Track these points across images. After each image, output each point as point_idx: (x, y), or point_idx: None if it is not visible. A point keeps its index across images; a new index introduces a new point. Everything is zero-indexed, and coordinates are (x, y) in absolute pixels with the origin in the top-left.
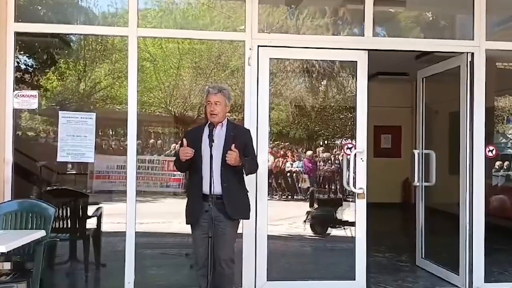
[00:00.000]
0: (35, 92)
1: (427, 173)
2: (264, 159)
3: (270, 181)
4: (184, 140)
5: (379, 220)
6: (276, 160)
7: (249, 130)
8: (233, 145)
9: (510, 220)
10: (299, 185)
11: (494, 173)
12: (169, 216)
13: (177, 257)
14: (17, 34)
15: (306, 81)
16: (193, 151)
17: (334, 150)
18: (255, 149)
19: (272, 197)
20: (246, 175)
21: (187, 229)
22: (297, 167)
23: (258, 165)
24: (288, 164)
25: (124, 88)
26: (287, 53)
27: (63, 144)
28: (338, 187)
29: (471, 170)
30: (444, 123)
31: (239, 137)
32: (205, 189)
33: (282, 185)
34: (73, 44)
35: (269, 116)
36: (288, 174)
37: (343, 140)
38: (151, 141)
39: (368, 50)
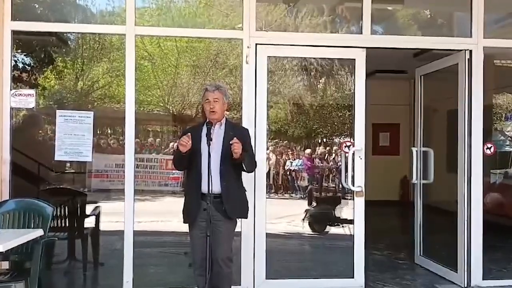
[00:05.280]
0: (32, 91)
1: (426, 171)
2: (263, 158)
3: (268, 179)
4: (187, 136)
5: (377, 218)
6: (275, 158)
7: (247, 129)
8: (235, 137)
9: (508, 218)
10: (297, 183)
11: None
12: (168, 214)
13: (175, 256)
14: (14, 32)
15: (305, 79)
16: (189, 138)
17: (334, 148)
18: (253, 148)
19: (270, 196)
20: (247, 171)
21: (186, 228)
22: (296, 165)
23: (256, 163)
24: (287, 163)
25: (122, 87)
26: (285, 51)
27: (60, 143)
28: (336, 184)
29: (469, 168)
30: (442, 120)
31: (237, 136)
32: (204, 188)
33: (281, 183)
34: (71, 43)
35: (267, 114)
36: (288, 172)
37: (342, 138)
38: (150, 139)
39: (366, 48)
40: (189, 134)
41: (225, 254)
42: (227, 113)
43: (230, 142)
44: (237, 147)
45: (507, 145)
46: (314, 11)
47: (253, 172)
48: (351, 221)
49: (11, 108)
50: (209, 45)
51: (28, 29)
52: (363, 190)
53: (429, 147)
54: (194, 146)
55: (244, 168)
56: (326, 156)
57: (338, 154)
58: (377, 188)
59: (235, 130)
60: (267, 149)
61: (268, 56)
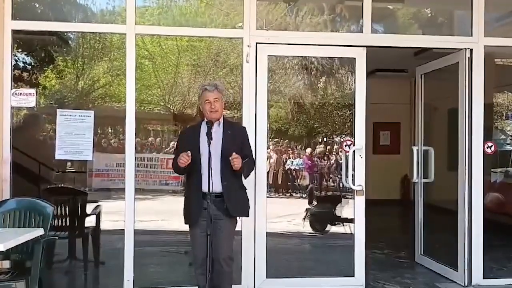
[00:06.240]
0: (32, 90)
1: (426, 170)
2: (263, 157)
3: (269, 178)
4: (187, 154)
5: (378, 217)
6: (275, 157)
7: (245, 128)
8: (234, 153)
9: (509, 217)
10: (298, 182)
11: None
12: (168, 214)
13: (176, 255)
14: (15, 32)
15: (305, 78)
16: (189, 157)
17: (334, 147)
18: (254, 147)
19: (271, 195)
20: (245, 178)
21: (186, 227)
22: (296, 164)
23: (255, 163)
24: (288, 162)
25: (123, 86)
26: (286, 50)
27: (61, 142)
28: (337, 183)
29: (470, 167)
30: (442, 119)
31: (236, 135)
32: (204, 187)
33: (281, 182)
34: (71, 42)
35: (268, 113)
36: (288, 171)
37: (342, 137)
38: (150, 139)
39: (367, 46)
40: (189, 152)
41: (226, 254)
42: (227, 112)
43: (230, 158)
44: (236, 162)
45: (507, 144)
46: (315, 10)
47: (253, 171)
48: (351, 220)
49: (12, 108)
50: (210, 44)
51: (28, 28)
52: (364, 189)
53: (429, 146)
54: (194, 146)
55: (243, 176)
56: (326, 155)
57: (339, 153)
58: (377, 187)
59: (233, 128)
60: (268, 148)
61: (268, 55)
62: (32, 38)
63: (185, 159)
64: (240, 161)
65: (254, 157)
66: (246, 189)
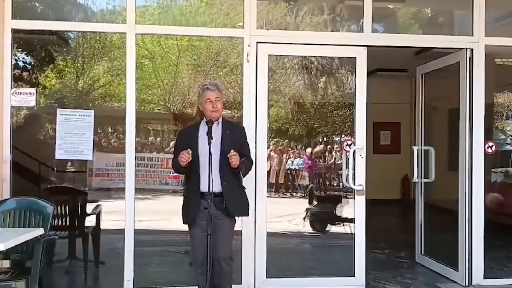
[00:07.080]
0: (32, 90)
1: (427, 170)
2: (264, 157)
3: (269, 178)
4: (187, 152)
5: (378, 216)
6: (276, 157)
7: (243, 127)
8: (232, 150)
9: (509, 217)
10: (298, 182)
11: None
12: (168, 213)
13: (176, 254)
14: (15, 31)
15: (305, 78)
16: (190, 154)
17: (335, 147)
18: (254, 147)
19: (271, 194)
20: (243, 176)
21: (186, 226)
22: (297, 164)
23: (253, 163)
24: (288, 162)
25: (123, 86)
26: (286, 50)
27: (61, 141)
28: (337, 183)
29: (471, 167)
30: (443, 119)
31: (235, 135)
32: (203, 187)
33: (282, 182)
34: (71, 42)
35: (268, 113)
36: (289, 171)
37: (342, 137)
38: (150, 138)
39: (367, 46)
40: (189, 150)
41: (226, 253)
42: (227, 111)
43: (228, 155)
44: (235, 160)
45: (507, 143)
46: (315, 9)
47: (253, 171)
48: (352, 220)
49: (12, 107)
50: (210, 44)
51: (28, 28)
52: (364, 189)
53: (430, 146)
54: (193, 145)
55: (241, 175)
56: (327, 155)
57: (339, 153)
58: (378, 187)
59: (232, 128)
60: (268, 148)
61: (269, 55)
62: (32, 37)
63: (186, 156)
64: (237, 158)
65: (254, 157)
66: (245, 188)
